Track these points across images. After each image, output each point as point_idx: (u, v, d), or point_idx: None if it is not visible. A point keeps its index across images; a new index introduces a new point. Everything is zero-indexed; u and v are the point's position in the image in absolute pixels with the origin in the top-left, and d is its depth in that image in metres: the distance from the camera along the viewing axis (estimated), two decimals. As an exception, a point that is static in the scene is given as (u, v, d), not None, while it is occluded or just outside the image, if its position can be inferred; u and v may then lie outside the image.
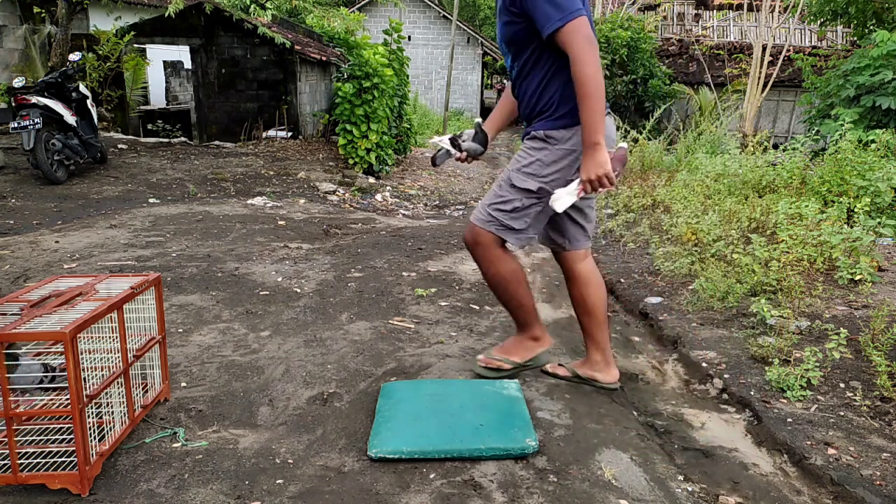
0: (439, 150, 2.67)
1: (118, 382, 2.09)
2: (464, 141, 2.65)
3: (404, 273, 4.27)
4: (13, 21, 10.26)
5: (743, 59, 14.60)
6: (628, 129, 9.43)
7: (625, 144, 2.37)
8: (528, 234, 2.46)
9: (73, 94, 7.01)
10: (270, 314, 3.43)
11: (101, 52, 9.89)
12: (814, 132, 8.52)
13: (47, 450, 1.94)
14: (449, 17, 17.97)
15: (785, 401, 2.55)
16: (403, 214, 6.95)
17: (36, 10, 9.59)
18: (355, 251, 4.79)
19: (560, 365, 2.81)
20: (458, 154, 2.65)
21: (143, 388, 2.33)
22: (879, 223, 4.58)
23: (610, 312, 3.40)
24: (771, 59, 12.64)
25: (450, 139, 2.66)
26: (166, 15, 8.62)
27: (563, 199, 2.24)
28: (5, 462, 1.86)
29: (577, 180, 2.24)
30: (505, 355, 2.70)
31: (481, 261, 2.52)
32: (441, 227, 5.96)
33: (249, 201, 6.53)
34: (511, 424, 2.27)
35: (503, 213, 2.41)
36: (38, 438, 2.02)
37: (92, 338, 2.15)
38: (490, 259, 2.48)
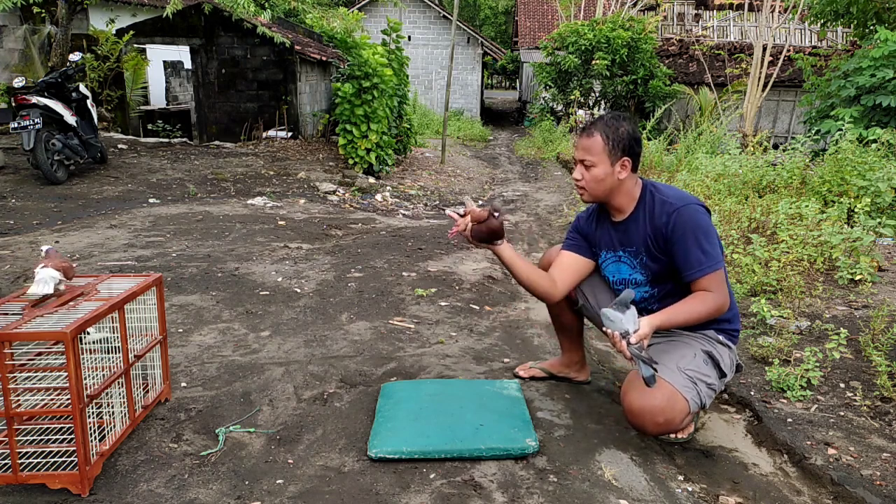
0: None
1: (119, 382, 2.09)
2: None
3: (404, 273, 4.27)
4: (13, 21, 10.26)
5: (743, 59, 14.61)
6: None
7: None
8: None
9: (73, 95, 7.00)
10: (270, 314, 3.43)
11: (100, 53, 9.89)
12: (814, 132, 8.52)
13: (47, 450, 1.93)
14: (449, 17, 17.96)
15: (785, 401, 2.55)
16: (403, 214, 6.94)
17: (36, 10, 9.59)
18: (355, 251, 4.79)
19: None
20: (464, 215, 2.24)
21: (143, 389, 2.33)
22: (879, 223, 4.58)
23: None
24: (771, 59, 12.65)
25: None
26: (164, 15, 8.61)
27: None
28: (6, 462, 1.86)
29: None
30: None
31: None
32: (441, 227, 5.96)
33: (249, 201, 6.53)
34: (511, 424, 2.27)
35: None
36: (39, 438, 2.02)
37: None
38: None
